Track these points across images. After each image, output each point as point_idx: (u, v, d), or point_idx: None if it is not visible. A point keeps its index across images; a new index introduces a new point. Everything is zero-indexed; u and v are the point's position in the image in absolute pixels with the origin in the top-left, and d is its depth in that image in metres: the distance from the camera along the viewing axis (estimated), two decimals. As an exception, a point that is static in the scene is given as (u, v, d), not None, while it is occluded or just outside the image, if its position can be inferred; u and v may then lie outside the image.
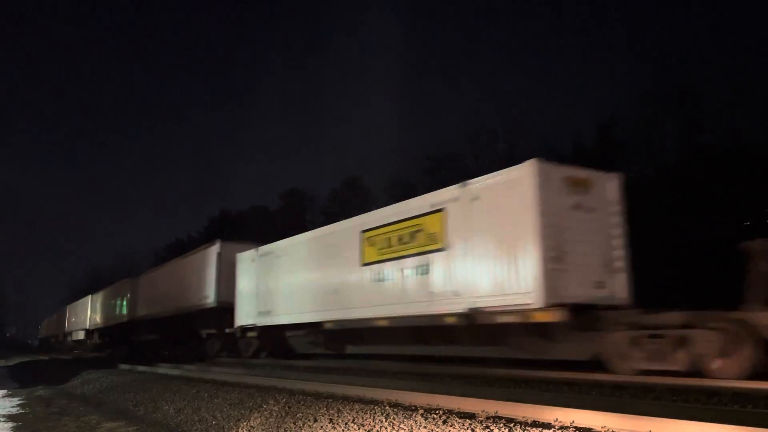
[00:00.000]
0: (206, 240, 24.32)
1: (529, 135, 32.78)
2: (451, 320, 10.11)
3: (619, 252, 9.54)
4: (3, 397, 12.07)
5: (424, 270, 10.83)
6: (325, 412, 6.11)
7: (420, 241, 11.02)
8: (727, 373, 7.19)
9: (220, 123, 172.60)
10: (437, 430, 4.85)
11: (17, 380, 16.49)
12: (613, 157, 23.70)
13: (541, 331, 9.11)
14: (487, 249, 9.64)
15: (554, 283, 8.70)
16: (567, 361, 9.19)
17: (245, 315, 16.81)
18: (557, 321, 8.57)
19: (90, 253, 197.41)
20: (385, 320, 11.61)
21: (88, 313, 37.91)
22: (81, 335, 39.75)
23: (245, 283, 17.11)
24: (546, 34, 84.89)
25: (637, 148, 26.03)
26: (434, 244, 10.68)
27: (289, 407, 6.66)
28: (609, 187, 9.82)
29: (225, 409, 7.45)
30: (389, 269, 11.68)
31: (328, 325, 13.31)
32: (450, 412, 5.42)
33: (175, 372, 13.38)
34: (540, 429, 4.44)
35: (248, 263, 17.07)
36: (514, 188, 9.35)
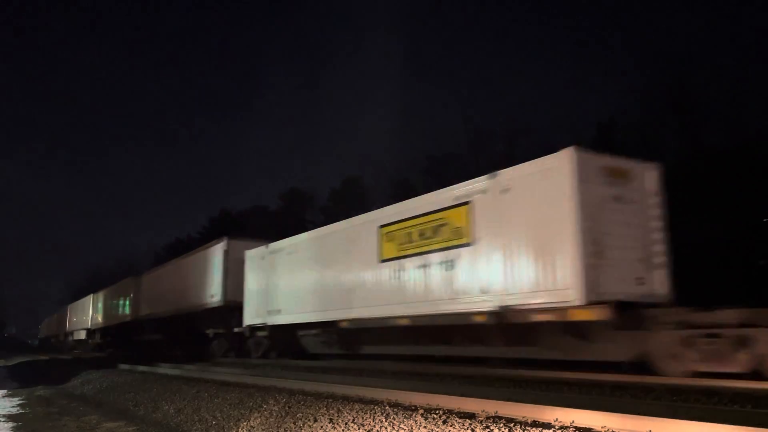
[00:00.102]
0: (206, 240, 23.70)
1: (529, 135, 32.52)
2: (480, 319, 9.55)
3: (659, 247, 9.06)
4: (3, 397, 11.88)
5: (449, 266, 10.29)
6: (325, 412, 6.07)
7: (444, 236, 10.48)
8: None
9: (221, 123, 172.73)
10: (437, 430, 4.82)
11: (17, 380, 16.24)
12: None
13: (578, 330, 8.56)
14: (519, 243, 9.10)
15: (595, 279, 8.18)
16: (566, 362, 8.93)
17: (254, 314, 16.24)
18: (598, 319, 8.03)
19: (90, 253, 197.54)
20: (405, 319, 11.07)
21: (89, 312, 37.45)
22: (82, 335, 39.33)
23: (254, 280, 16.53)
24: (546, 35, 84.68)
25: (637, 148, 25.66)
26: (460, 239, 10.14)
27: (289, 407, 6.61)
28: (648, 177, 9.33)
29: (225, 409, 7.40)
30: (410, 266, 11.14)
31: (343, 324, 12.75)
32: (450, 412, 5.37)
33: (175, 372, 13.19)
34: (540, 429, 4.41)
35: (258, 260, 16.50)
36: (549, 178, 8.82)
